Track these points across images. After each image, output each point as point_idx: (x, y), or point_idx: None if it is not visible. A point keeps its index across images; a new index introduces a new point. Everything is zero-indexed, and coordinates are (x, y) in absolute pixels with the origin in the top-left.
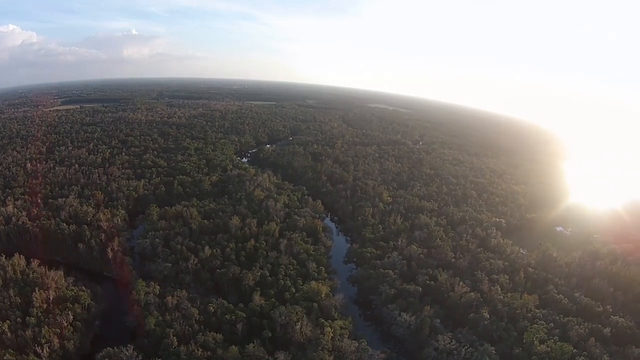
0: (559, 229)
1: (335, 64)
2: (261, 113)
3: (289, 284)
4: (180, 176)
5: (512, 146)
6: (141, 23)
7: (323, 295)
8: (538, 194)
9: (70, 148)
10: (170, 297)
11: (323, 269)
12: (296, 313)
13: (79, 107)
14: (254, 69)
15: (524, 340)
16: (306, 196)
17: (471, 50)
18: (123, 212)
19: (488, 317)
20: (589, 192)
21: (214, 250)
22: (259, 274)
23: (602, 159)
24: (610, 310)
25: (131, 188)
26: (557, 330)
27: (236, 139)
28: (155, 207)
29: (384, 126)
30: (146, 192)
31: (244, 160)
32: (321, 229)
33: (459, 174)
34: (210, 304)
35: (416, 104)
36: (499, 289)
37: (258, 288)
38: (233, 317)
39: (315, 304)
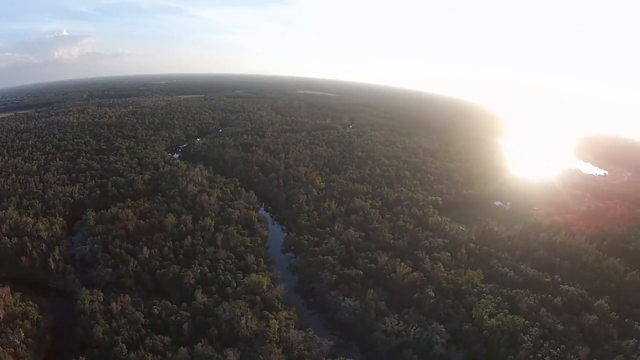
0: (497, 203)
1: (274, 54)
2: (190, 107)
3: (230, 278)
4: (114, 177)
5: (445, 125)
6: (72, 23)
7: (265, 287)
8: (474, 170)
9: (7, 158)
10: (114, 303)
11: (262, 260)
12: (240, 308)
13: (13, 114)
14: (182, 63)
15: (473, 316)
16: (239, 188)
17: (414, 35)
18: (61, 219)
19: (433, 295)
20: (525, 167)
21: (152, 250)
22: (199, 271)
23: (540, 138)
24: (559, 279)
25: (67, 194)
26: (506, 303)
27: (166, 135)
28: (92, 211)
29: (313, 112)
30: (82, 196)
31: (175, 155)
32: (256, 219)
33: (391, 155)
34: (155, 306)
35: (346, 87)
36: (442, 266)
37: (199, 285)
38: (178, 317)
39: (257, 297)
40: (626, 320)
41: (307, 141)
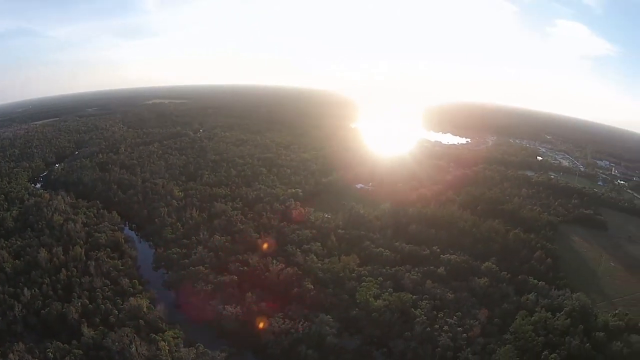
0: (359, 186)
1: (124, 67)
2: (46, 132)
3: (110, 306)
4: None
5: (298, 117)
6: None
7: (145, 310)
8: (329, 157)
9: None
10: (11, 355)
11: (136, 282)
12: (127, 335)
13: None
14: (38, 87)
15: (358, 301)
16: (101, 210)
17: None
18: None
19: (312, 287)
20: (384, 147)
21: (33, 290)
22: (80, 304)
23: (397, 119)
24: (438, 250)
25: None
26: (389, 282)
27: (27, 165)
28: None
29: (163, 121)
30: None
31: (38, 185)
32: (123, 240)
33: (244, 153)
34: (48, 350)
35: (194, 92)
36: (314, 257)
37: (84, 319)
38: (72, 357)
39: (141, 321)
40: (519, 277)
41: (160, 152)
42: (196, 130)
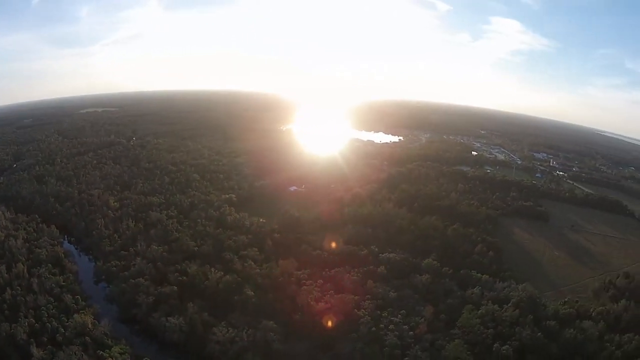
0: (292, 188)
1: (60, 76)
2: None
3: (56, 324)
4: None
5: (230, 121)
6: None
7: (90, 326)
8: (263, 161)
9: None
10: None
11: (79, 297)
12: (75, 354)
13: None
14: None
15: (300, 305)
16: (40, 224)
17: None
18: None
19: (253, 294)
20: (317, 148)
21: None
22: (26, 323)
23: (330, 121)
24: (377, 249)
25: None
26: (329, 284)
27: None
28: None
29: (97, 130)
30: None
31: None
32: (63, 255)
33: (177, 160)
34: None
35: (127, 99)
36: (252, 263)
37: (32, 339)
38: None
39: (87, 338)
40: (462, 271)
41: (95, 161)
42: (129, 139)
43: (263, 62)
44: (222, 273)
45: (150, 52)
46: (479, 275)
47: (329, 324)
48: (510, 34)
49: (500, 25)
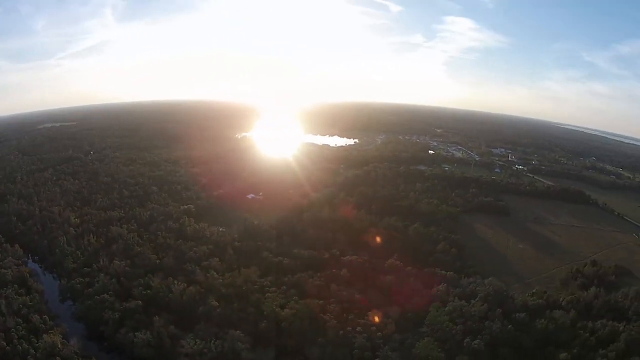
0: (250, 196)
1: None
2: None
3: (27, 346)
4: None
5: (185, 130)
6: None
7: (60, 346)
8: (219, 170)
9: None
10: None
11: (47, 317)
12: None
13: None
14: None
15: (265, 312)
16: (4, 244)
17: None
18: None
19: (217, 304)
20: (272, 154)
21: None
22: None
23: (285, 125)
24: (338, 253)
25: None
26: (292, 290)
27: None
28: None
29: (55, 145)
30: None
31: None
32: (28, 274)
33: (135, 173)
34: None
35: (80, 112)
36: (214, 273)
37: None
38: None
39: (57, 358)
40: (425, 270)
41: (55, 178)
42: (87, 153)
43: (225, 69)
44: (186, 285)
45: (109, 63)
46: (443, 272)
47: (295, 329)
48: (463, 32)
49: (454, 24)
